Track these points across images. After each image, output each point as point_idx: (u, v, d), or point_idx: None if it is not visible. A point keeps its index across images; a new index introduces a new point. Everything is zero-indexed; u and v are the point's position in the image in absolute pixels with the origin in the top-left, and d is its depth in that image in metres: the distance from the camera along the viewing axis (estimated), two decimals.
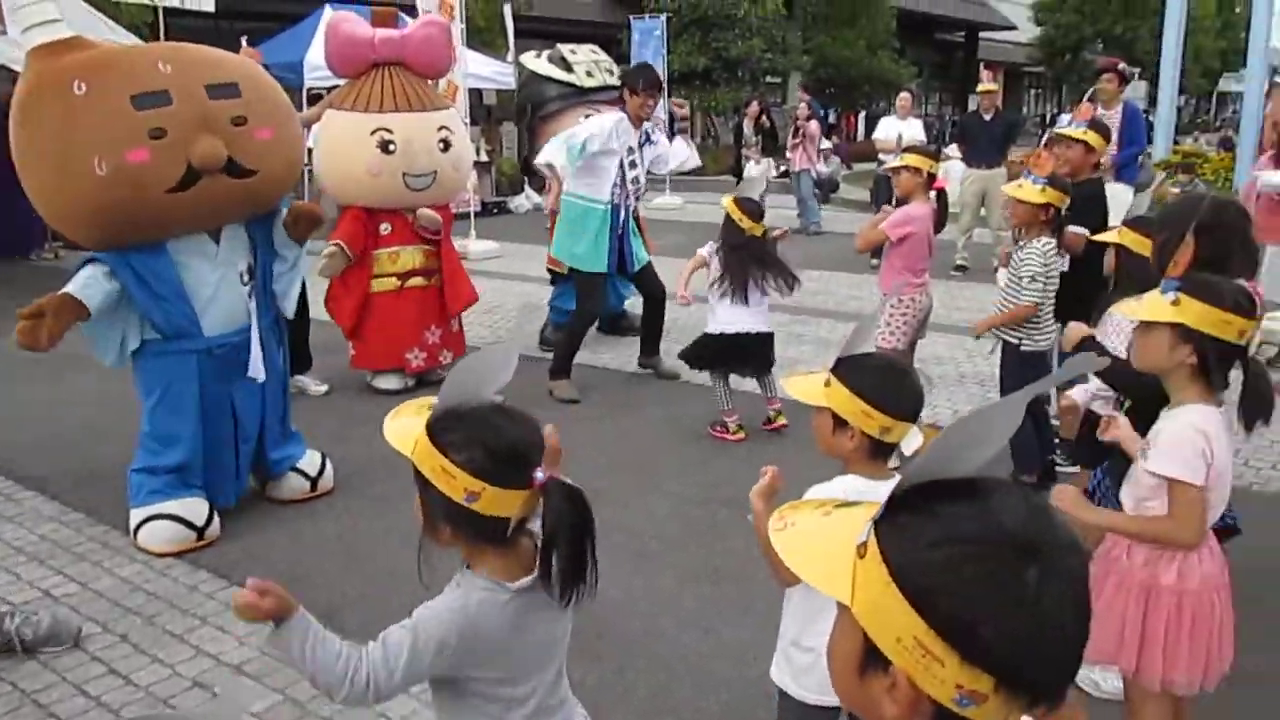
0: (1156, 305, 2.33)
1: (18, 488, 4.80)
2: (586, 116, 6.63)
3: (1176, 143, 16.65)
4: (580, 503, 1.69)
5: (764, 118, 14.00)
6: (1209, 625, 2.40)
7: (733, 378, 5.46)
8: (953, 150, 11.90)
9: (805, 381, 2.20)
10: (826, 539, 0.99)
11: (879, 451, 2.11)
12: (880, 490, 1.98)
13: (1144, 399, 2.64)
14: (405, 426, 1.73)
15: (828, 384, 2.10)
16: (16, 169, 3.93)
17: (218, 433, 4.23)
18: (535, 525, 1.70)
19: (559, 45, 7.79)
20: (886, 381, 2.08)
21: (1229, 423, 2.38)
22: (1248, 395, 2.35)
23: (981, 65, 11.02)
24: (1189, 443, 2.29)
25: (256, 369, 4.24)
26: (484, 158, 15.76)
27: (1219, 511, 2.42)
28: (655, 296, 6.56)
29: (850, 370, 2.09)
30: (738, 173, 13.78)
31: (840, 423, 2.09)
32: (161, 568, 3.96)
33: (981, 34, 36.85)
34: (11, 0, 3.87)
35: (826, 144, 15.46)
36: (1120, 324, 3.40)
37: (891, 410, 2.04)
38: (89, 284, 3.90)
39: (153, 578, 3.89)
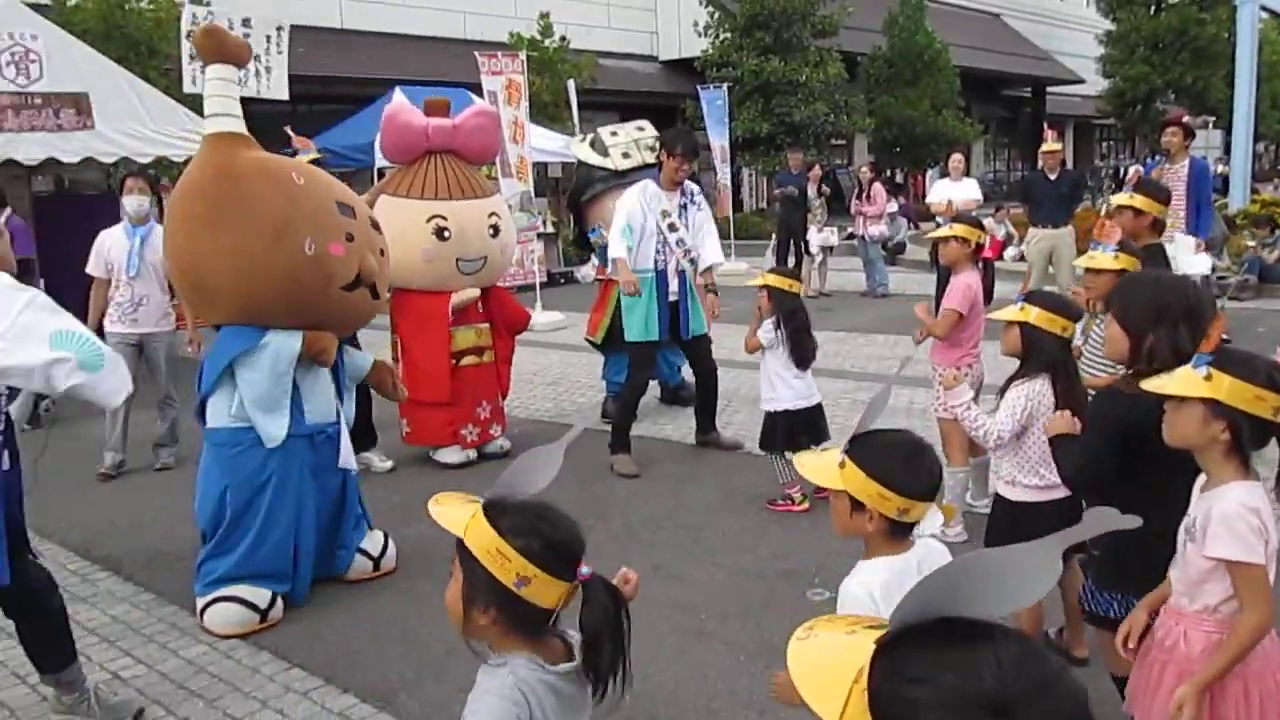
0: (1189, 380, 2.23)
1: (94, 568, 4.96)
2: None
3: (1255, 191, 16.19)
4: (621, 601, 1.74)
5: (825, 183, 13.99)
6: (1277, 707, 2.30)
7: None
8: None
9: (819, 462, 2.17)
10: (836, 658, 1.01)
11: (898, 532, 2.09)
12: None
13: None
14: (453, 511, 1.76)
15: (842, 465, 2.06)
16: (184, 233, 4.20)
17: (294, 522, 4.32)
18: (562, 627, 1.76)
19: (601, 129, 7.82)
20: (901, 462, 2.04)
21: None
22: None
23: (1045, 124, 10.89)
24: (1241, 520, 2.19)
25: (347, 459, 4.51)
26: (550, 229, 16.01)
27: None
28: (706, 372, 6.54)
29: (864, 451, 2.05)
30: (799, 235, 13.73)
31: (858, 505, 2.06)
32: (226, 649, 4.04)
33: (1049, 89, 36.59)
34: (218, 86, 4.23)
35: (893, 206, 15.43)
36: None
37: (908, 491, 2.02)
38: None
39: (217, 659, 3.97)
